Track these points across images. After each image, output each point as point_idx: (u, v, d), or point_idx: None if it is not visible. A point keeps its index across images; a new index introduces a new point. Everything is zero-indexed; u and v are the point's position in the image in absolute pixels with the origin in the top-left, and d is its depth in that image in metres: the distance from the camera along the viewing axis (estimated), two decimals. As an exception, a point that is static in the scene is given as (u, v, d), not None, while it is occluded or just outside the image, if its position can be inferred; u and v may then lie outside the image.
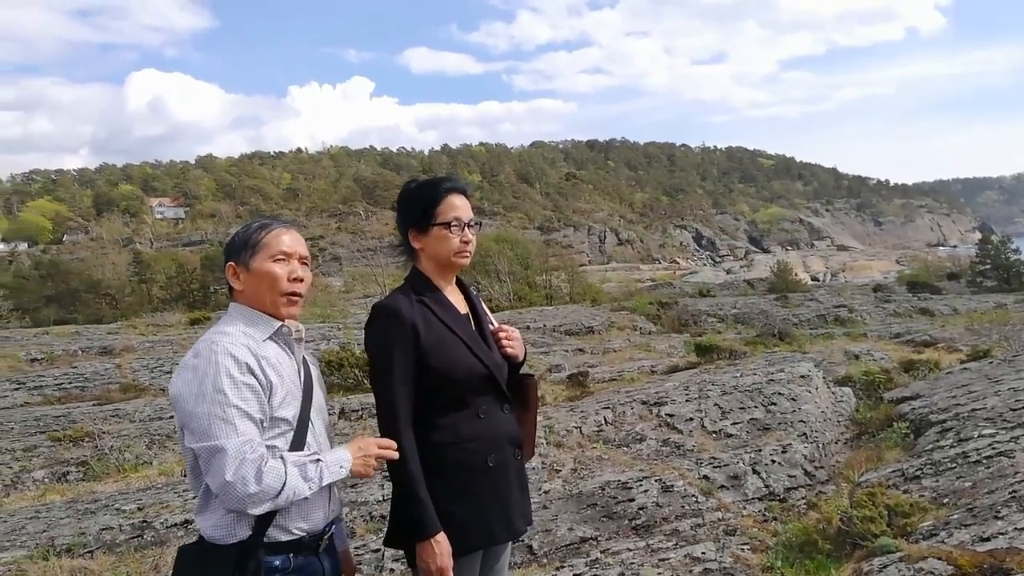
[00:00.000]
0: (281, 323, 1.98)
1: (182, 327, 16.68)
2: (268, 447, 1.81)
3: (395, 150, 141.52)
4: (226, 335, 1.86)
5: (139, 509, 4.93)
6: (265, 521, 1.80)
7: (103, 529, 4.62)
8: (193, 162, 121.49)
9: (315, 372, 2.07)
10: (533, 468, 5.31)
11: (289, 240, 1.99)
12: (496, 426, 2.15)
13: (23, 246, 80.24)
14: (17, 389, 10.18)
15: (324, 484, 1.85)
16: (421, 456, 2.04)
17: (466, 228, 2.18)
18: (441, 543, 2.00)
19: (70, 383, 10.52)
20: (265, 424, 1.83)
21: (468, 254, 2.19)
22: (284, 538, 1.85)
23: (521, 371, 2.33)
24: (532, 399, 2.34)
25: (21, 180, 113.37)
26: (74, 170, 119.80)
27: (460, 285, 2.31)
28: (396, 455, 1.99)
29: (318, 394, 2.03)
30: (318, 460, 1.84)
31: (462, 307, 2.25)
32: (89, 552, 4.43)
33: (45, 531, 4.66)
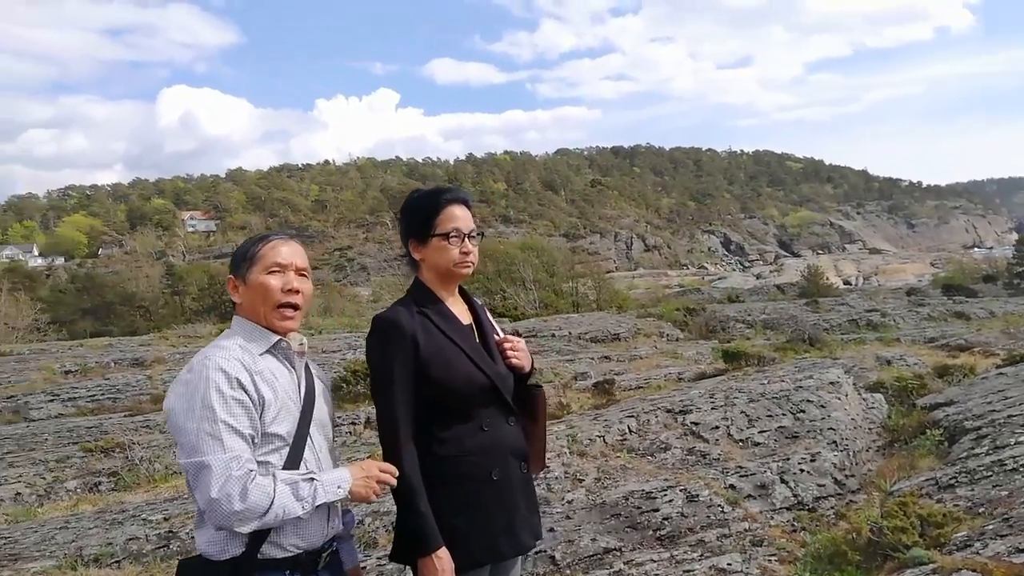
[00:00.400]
0: (280, 337, 1.94)
1: (212, 337, 16.84)
2: (261, 463, 1.79)
3: (421, 160, 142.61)
4: (221, 349, 1.84)
5: (165, 519, 4.98)
6: (259, 538, 1.78)
7: (130, 539, 4.68)
8: (223, 176, 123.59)
9: (320, 387, 2.03)
10: (556, 477, 5.27)
11: (286, 251, 1.96)
12: (500, 439, 2.11)
13: (60, 260, 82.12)
14: (52, 401, 10.39)
15: (318, 504, 1.81)
16: (424, 469, 2.01)
17: (466, 239, 2.15)
18: (443, 559, 1.96)
19: (102, 394, 10.71)
20: (256, 440, 1.80)
21: (469, 265, 2.16)
22: (279, 555, 1.81)
23: (529, 382, 2.29)
24: (540, 410, 2.30)
25: (57, 196, 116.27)
26: (108, 185, 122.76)
27: (464, 295, 2.28)
28: (395, 482, 1.95)
29: (321, 409, 1.99)
30: (312, 479, 1.81)
31: (465, 318, 2.21)
32: (116, 562, 4.48)
33: (74, 541, 4.73)
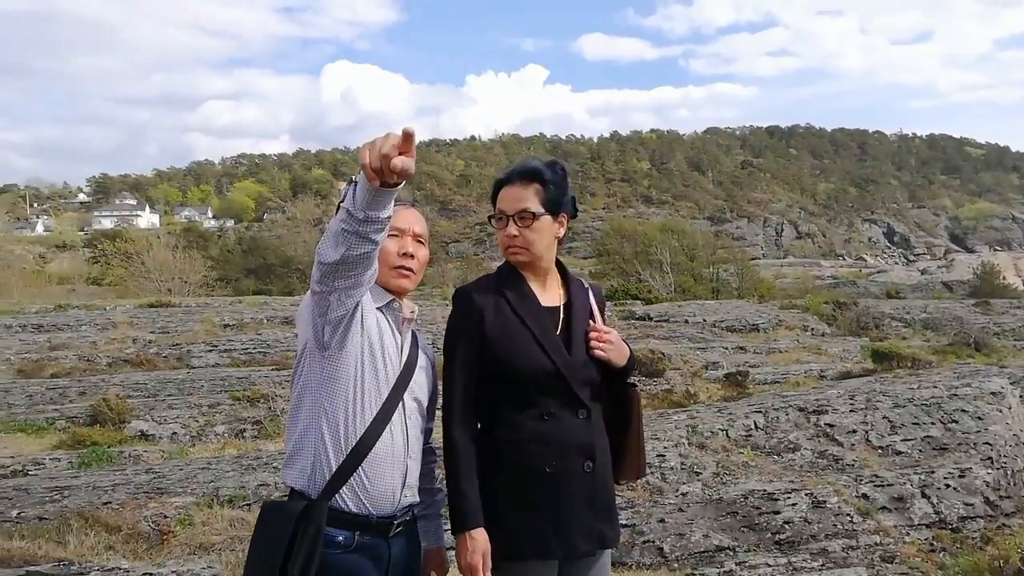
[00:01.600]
0: (393, 297, 2.00)
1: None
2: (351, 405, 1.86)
3: (564, 137, 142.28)
4: None
5: (294, 470, 5.30)
6: (337, 481, 1.82)
7: (260, 484, 5.02)
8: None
9: (423, 360, 2.05)
10: (671, 468, 5.11)
11: (406, 217, 2.04)
12: (564, 431, 1.97)
13: (230, 223, 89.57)
14: (211, 351, 11.38)
15: (358, 195, 1.64)
16: (482, 450, 1.97)
17: (511, 222, 2.03)
18: (477, 539, 1.89)
19: (254, 348, 11.60)
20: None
21: (517, 249, 2.04)
22: (352, 509, 1.84)
23: (627, 380, 2.14)
24: (635, 412, 2.13)
25: (230, 163, 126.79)
26: (274, 155, 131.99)
27: (564, 276, 2.16)
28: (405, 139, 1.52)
29: (419, 379, 2.00)
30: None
31: (551, 300, 2.09)
32: (247, 504, 4.82)
33: (212, 481, 5.14)
